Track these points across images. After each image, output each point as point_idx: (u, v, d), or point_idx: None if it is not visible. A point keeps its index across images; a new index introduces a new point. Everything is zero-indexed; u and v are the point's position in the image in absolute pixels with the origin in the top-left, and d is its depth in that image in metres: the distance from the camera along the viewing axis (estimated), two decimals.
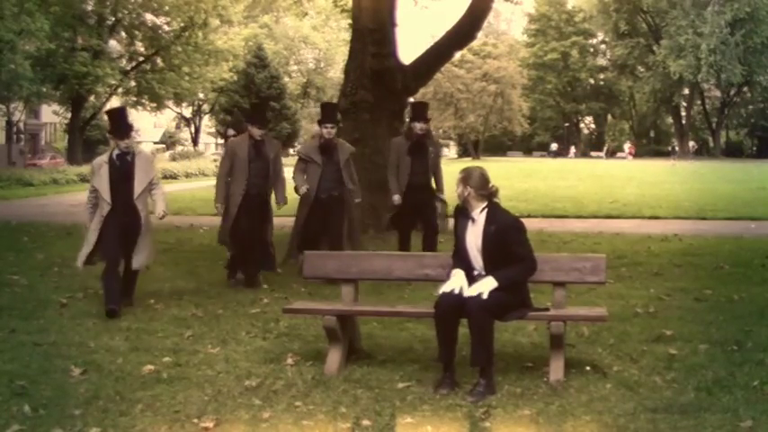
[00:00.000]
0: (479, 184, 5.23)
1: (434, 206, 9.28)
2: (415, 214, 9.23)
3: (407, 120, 9.54)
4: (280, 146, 9.05)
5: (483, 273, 5.19)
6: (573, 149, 78.36)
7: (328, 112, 9.21)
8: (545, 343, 5.55)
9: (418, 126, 9.20)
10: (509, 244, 5.15)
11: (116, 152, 7.51)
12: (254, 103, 10.02)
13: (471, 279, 5.21)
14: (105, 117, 8.02)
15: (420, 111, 9.56)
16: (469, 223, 5.26)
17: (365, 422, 4.47)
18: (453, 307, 5.08)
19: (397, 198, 9.11)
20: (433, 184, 9.44)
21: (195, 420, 4.47)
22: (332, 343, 5.50)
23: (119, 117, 7.77)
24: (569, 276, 5.51)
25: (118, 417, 4.53)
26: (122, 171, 7.49)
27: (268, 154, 8.71)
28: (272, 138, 9.11)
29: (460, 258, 5.30)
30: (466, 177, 5.26)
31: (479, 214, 5.22)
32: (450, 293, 5.14)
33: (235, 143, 8.96)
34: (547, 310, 5.46)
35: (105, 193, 7.42)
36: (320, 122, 8.99)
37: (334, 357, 5.45)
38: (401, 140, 9.43)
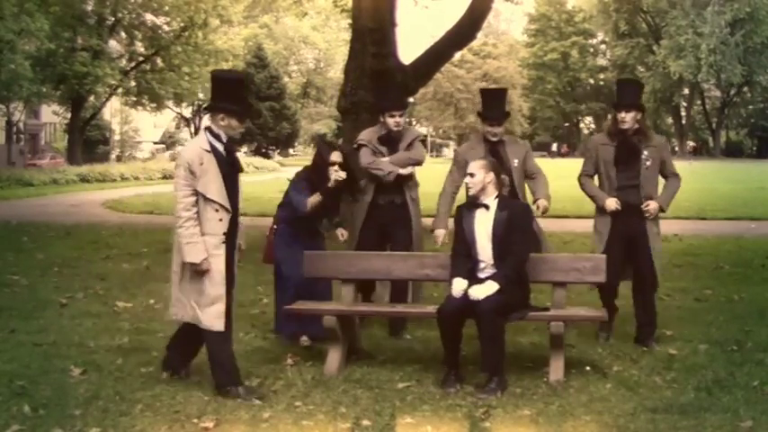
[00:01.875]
0: (499, 172, 5.44)
1: (649, 240, 6.16)
2: (623, 253, 6.14)
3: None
4: (526, 148, 6.63)
5: (491, 263, 5.23)
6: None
7: (393, 96, 6.79)
8: (545, 343, 5.56)
9: (620, 117, 6.11)
10: (515, 229, 5.23)
11: (222, 139, 5.04)
12: (486, 90, 6.89)
13: (475, 275, 5.25)
14: (211, 81, 5.20)
15: (626, 93, 6.26)
16: (478, 213, 5.32)
17: (365, 422, 4.47)
18: (457, 309, 5.10)
19: (611, 203, 6.12)
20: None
21: (195, 420, 4.47)
22: (332, 343, 5.50)
23: (238, 87, 5.23)
24: (569, 276, 5.52)
25: (118, 417, 4.53)
26: (233, 168, 5.12)
27: (510, 161, 6.35)
28: (516, 139, 6.81)
29: (463, 255, 5.32)
30: (489, 164, 5.41)
31: (493, 201, 5.31)
32: (453, 298, 5.17)
33: (465, 148, 6.68)
34: (547, 309, 5.47)
35: (223, 199, 4.95)
36: (383, 111, 6.57)
37: (334, 357, 5.45)
38: (602, 138, 6.37)
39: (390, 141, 6.55)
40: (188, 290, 4.96)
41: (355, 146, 6.64)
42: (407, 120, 6.75)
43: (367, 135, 6.64)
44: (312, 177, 6.27)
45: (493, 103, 6.51)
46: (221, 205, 4.93)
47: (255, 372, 5.38)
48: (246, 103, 5.32)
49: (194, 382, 5.18)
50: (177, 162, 4.99)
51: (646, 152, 6.10)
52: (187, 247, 4.89)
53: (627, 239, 6.10)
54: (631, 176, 6.11)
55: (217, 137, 5.02)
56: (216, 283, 4.91)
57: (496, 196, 5.33)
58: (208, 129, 5.07)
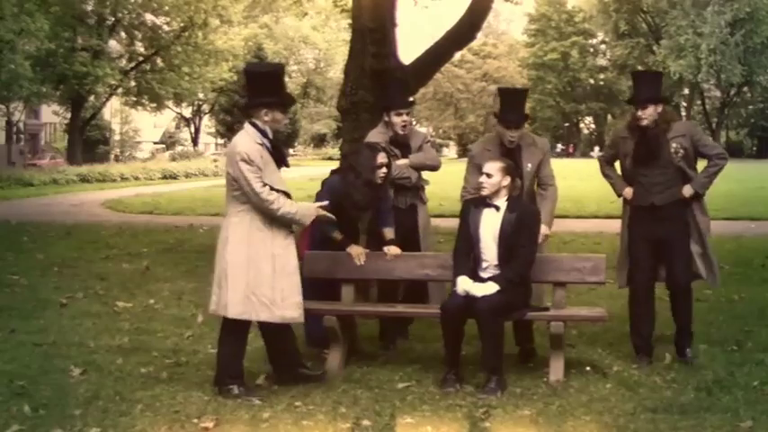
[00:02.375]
0: (515, 175, 5.37)
1: (686, 245, 5.73)
2: (651, 255, 5.74)
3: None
4: (543, 152, 5.96)
5: (495, 263, 5.21)
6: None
7: (397, 92, 6.27)
8: (545, 343, 5.55)
9: (638, 114, 5.62)
10: (523, 232, 5.21)
11: (268, 135, 4.97)
12: (505, 89, 6.15)
13: (477, 274, 5.23)
14: (244, 77, 5.22)
15: (643, 87, 5.68)
16: (487, 213, 5.27)
17: (365, 422, 4.47)
18: (460, 308, 5.10)
19: (629, 191, 5.79)
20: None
21: (195, 420, 4.47)
22: (332, 343, 5.49)
23: (274, 78, 5.11)
24: (569, 276, 5.52)
25: (118, 417, 4.53)
26: (280, 164, 5.06)
27: (523, 166, 5.76)
28: (534, 140, 6.02)
29: (466, 253, 5.30)
30: (509, 167, 5.33)
31: (503, 203, 5.28)
32: (457, 295, 5.16)
33: (479, 150, 5.91)
34: (547, 309, 5.46)
35: (286, 189, 5.03)
36: (387, 109, 6.14)
37: (334, 357, 5.45)
38: (623, 131, 5.88)
39: (400, 144, 6.13)
40: (259, 285, 4.86)
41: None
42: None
43: (377, 138, 6.14)
44: (346, 183, 5.68)
45: (512, 104, 5.82)
46: (287, 195, 4.92)
47: (255, 372, 5.38)
48: (286, 92, 5.16)
49: (194, 382, 5.18)
50: (236, 159, 4.81)
51: (674, 144, 5.56)
52: (298, 215, 4.92)
53: (653, 242, 5.67)
54: (657, 174, 5.60)
55: (263, 132, 4.93)
56: (291, 273, 4.92)
57: (507, 198, 5.30)
58: (253, 124, 4.96)
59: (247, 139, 4.90)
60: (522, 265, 5.22)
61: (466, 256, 5.31)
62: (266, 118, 4.94)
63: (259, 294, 4.85)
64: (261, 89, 4.96)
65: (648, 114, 5.57)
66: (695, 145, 5.64)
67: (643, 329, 5.75)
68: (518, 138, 5.75)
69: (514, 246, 5.20)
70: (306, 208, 4.97)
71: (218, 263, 5.00)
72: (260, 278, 4.85)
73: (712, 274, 5.78)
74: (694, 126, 5.74)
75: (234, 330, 4.99)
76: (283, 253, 4.92)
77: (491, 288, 5.08)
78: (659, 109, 5.60)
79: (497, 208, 5.27)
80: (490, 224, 5.26)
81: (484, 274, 5.24)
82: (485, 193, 5.30)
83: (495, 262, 5.23)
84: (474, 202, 5.41)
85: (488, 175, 5.27)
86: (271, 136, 4.96)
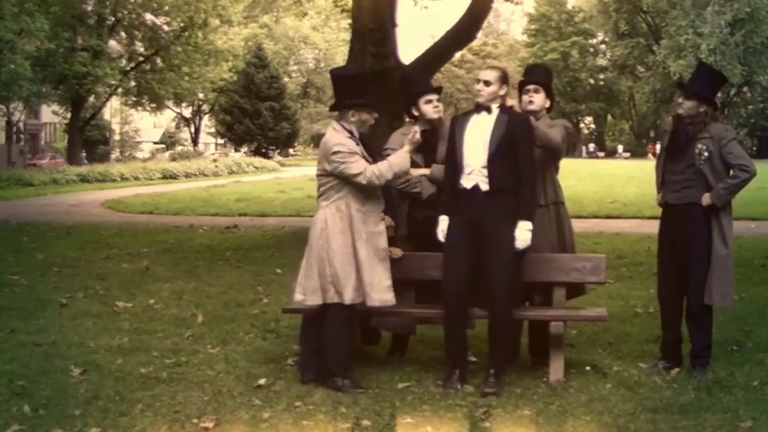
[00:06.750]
0: (506, 84, 5.17)
1: (703, 262, 5.30)
2: (673, 263, 5.46)
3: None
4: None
5: (480, 166, 4.99)
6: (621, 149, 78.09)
7: (419, 78, 5.91)
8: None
9: (681, 100, 5.43)
10: (520, 139, 5.02)
11: (354, 134, 5.18)
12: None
13: (461, 185, 5.05)
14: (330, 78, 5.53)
15: (695, 81, 5.44)
16: (475, 118, 5.08)
17: (365, 422, 4.47)
18: (465, 293, 5.02)
19: (659, 198, 5.61)
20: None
21: (195, 420, 4.47)
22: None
23: (360, 81, 5.42)
24: (569, 276, 5.50)
25: (118, 417, 4.53)
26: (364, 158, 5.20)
27: None
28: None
29: (452, 167, 5.10)
30: (504, 76, 5.16)
31: (495, 108, 5.10)
32: (457, 281, 5.01)
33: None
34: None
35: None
36: (415, 98, 5.66)
37: None
38: (667, 123, 5.68)
39: (426, 146, 5.46)
40: (360, 270, 5.02)
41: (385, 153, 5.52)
42: (406, 120, 6.06)
43: (398, 141, 5.54)
44: None
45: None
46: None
47: (255, 372, 5.38)
48: (371, 94, 5.35)
49: (194, 382, 5.18)
50: (329, 153, 5.06)
51: (699, 144, 5.24)
52: (395, 168, 5.08)
53: (672, 243, 5.42)
54: (676, 171, 5.37)
55: (350, 132, 5.17)
56: (384, 258, 5.11)
57: (499, 106, 5.10)
58: (340, 124, 5.19)
59: (338, 135, 5.14)
60: (528, 177, 5.01)
61: (452, 167, 5.09)
62: (353, 119, 5.19)
63: (356, 279, 5.02)
64: (348, 92, 5.21)
65: (688, 108, 5.31)
66: (721, 151, 5.27)
67: (665, 334, 5.55)
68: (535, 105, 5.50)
69: (508, 152, 4.95)
70: (396, 157, 5.13)
71: (316, 252, 5.07)
72: (359, 264, 5.03)
73: (719, 295, 5.30)
74: (726, 131, 5.37)
75: (337, 321, 5.07)
76: (376, 237, 5.09)
77: (526, 229, 4.97)
78: (702, 108, 5.30)
79: (489, 110, 5.05)
80: (480, 127, 5.02)
81: (467, 183, 5.01)
82: (481, 100, 5.06)
83: (481, 165, 4.97)
84: (461, 115, 5.24)
85: (486, 83, 5.06)
86: (357, 135, 5.17)
